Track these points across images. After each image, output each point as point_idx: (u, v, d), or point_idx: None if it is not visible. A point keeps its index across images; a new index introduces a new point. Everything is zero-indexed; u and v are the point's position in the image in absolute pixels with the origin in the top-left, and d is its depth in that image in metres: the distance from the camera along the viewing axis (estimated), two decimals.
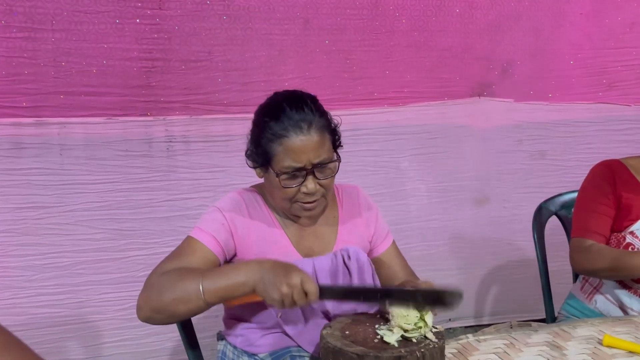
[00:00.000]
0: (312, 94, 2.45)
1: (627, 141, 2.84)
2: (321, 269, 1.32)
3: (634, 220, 1.65)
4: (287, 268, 1.13)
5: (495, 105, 2.70)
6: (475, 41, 2.59)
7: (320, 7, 2.33)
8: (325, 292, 1.18)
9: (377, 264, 1.46)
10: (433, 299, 1.14)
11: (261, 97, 2.31)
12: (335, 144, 1.33)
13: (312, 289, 1.13)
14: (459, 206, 2.72)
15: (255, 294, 1.16)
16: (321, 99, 2.44)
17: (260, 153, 1.27)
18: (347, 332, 1.12)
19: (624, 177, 1.71)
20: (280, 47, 2.31)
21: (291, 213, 1.34)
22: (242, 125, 2.31)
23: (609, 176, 1.71)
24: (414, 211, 2.66)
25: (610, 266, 1.58)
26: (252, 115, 2.30)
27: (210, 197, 2.31)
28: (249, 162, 1.34)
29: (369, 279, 1.37)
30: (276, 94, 1.34)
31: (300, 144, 1.23)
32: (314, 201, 1.30)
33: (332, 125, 1.33)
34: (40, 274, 2.14)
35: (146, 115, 2.21)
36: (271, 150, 1.25)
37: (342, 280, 1.34)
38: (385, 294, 1.19)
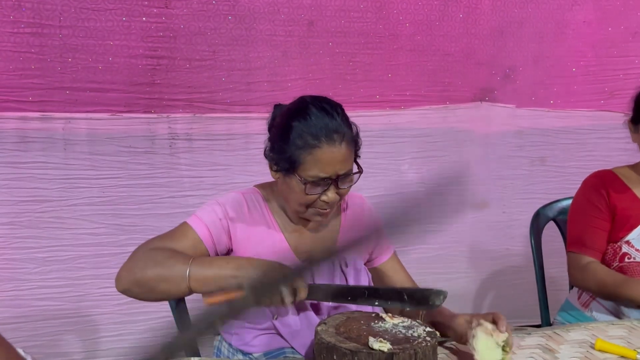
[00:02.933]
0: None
1: (627, 149, 2.83)
2: (318, 274, 1.34)
3: (629, 230, 1.67)
4: (276, 267, 1.15)
5: (497, 111, 2.72)
6: (478, 46, 2.60)
7: (324, 10, 2.35)
8: (314, 291, 1.20)
9: (378, 274, 1.49)
10: (418, 298, 1.16)
11: (264, 97, 2.36)
12: (356, 154, 1.34)
13: (301, 287, 1.14)
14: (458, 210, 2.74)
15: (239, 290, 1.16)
16: None
17: (286, 158, 1.26)
18: (341, 329, 1.14)
19: (617, 188, 1.72)
20: (284, 48, 2.33)
21: (303, 217, 1.34)
22: (244, 125, 2.36)
23: (602, 188, 1.72)
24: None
25: (606, 293, 1.63)
26: (254, 115, 2.35)
27: (211, 195, 2.33)
28: (270, 165, 1.33)
29: (364, 279, 1.39)
30: (304, 99, 1.32)
31: (330, 155, 1.23)
32: (327, 209, 1.31)
33: (355, 135, 1.33)
34: (42, 267, 2.17)
35: (150, 112, 2.23)
36: (299, 157, 1.24)
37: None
38: (372, 293, 1.21)
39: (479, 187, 2.75)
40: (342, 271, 1.38)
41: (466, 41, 2.58)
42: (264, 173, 2.41)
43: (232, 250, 1.35)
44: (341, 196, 1.31)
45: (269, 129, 1.37)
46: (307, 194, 1.26)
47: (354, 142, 1.31)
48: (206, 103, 2.29)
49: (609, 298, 1.67)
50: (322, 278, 1.34)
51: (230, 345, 1.40)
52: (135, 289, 1.23)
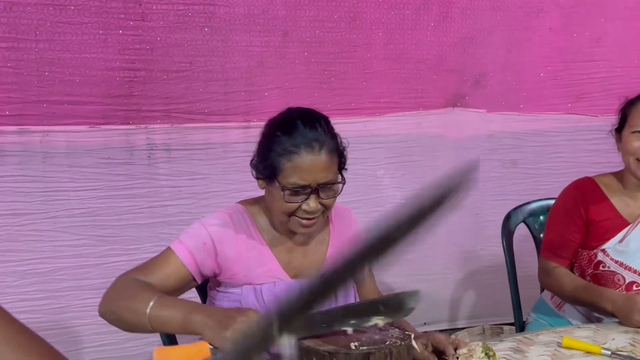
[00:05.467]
0: (292, 103, 2.50)
1: (594, 150, 2.94)
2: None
3: (606, 240, 1.70)
4: (239, 308, 1.11)
5: (469, 116, 2.78)
6: (449, 54, 2.67)
7: (299, 20, 2.39)
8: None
9: (357, 284, 1.51)
10: (394, 305, 1.18)
11: (241, 106, 2.39)
12: (341, 166, 1.34)
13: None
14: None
15: (202, 339, 1.11)
16: None
17: (267, 166, 1.27)
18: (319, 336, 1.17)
19: (596, 199, 1.73)
20: (260, 58, 2.37)
21: (288, 228, 1.34)
22: (222, 134, 2.39)
23: (580, 199, 1.74)
24: None
25: (568, 296, 1.68)
26: (232, 124, 2.37)
27: (191, 204, 2.35)
28: (253, 173, 1.34)
29: (351, 300, 1.42)
30: (290, 110, 1.34)
31: (309, 163, 1.24)
32: (313, 218, 1.30)
33: (341, 147, 1.33)
34: (21, 280, 2.16)
35: (128, 123, 2.24)
36: (279, 164, 1.25)
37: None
38: (346, 313, 1.18)
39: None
40: None
41: (438, 49, 2.64)
42: (243, 181, 2.44)
43: (220, 272, 1.34)
44: (325, 207, 1.30)
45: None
46: (287, 202, 1.26)
47: (338, 153, 1.31)
48: (184, 113, 2.31)
49: (569, 302, 1.73)
50: None
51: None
52: (109, 316, 1.24)
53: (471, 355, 1.18)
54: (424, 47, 2.62)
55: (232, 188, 2.37)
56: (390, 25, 2.54)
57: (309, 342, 1.12)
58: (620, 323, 1.51)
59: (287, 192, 1.26)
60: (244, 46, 2.33)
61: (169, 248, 1.33)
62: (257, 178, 1.33)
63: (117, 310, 1.21)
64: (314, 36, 2.43)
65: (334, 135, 1.31)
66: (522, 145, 2.89)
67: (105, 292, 1.26)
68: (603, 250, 1.69)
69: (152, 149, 2.29)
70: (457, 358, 1.20)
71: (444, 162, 2.77)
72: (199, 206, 2.33)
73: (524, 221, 2.06)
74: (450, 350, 1.23)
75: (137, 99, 2.23)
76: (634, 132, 1.63)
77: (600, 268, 1.70)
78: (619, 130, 1.71)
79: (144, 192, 2.30)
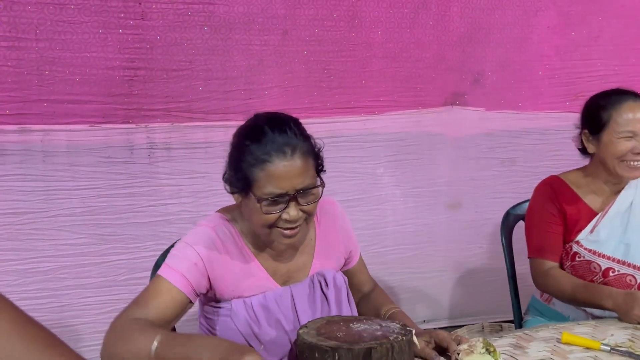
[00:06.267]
0: (292, 102, 2.51)
1: None
2: (299, 296, 1.34)
3: (578, 232, 1.76)
4: (242, 349, 1.02)
5: (468, 114, 2.79)
6: (448, 52, 2.68)
7: (298, 19, 2.40)
8: None
9: (348, 275, 1.50)
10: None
11: (241, 105, 2.40)
12: (319, 168, 1.28)
13: None
14: (432, 211, 2.81)
15: None
16: (300, 107, 2.53)
17: (240, 178, 1.21)
18: (322, 331, 1.18)
19: (566, 194, 1.80)
20: (259, 57, 2.37)
21: (270, 240, 1.28)
22: (222, 133, 2.39)
23: (551, 195, 1.80)
24: (390, 216, 2.73)
25: (568, 296, 1.69)
26: (232, 123, 2.38)
27: (191, 203, 2.36)
28: (227, 187, 1.28)
29: (345, 303, 1.40)
30: (257, 116, 1.27)
31: (283, 169, 1.18)
32: (295, 227, 1.24)
33: (316, 149, 1.27)
34: (23, 278, 2.17)
35: (128, 122, 2.25)
36: (252, 175, 1.19)
37: (320, 307, 1.36)
38: None
39: (452, 188, 2.83)
40: (323, 292, 1.37)
41: (436, 48, 2.65)
42: None
43: (210, 289, 1.31)
44: (306, 213, 1.24)
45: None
46: (265, 214, 1.20)
47: (313, 155, 1.25)
48: (184, 112, 2.32)
49: (569, 303, 1.75)
50: (303, 302, 1.34)
51: None
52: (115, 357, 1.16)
53: (472, 351, 1.19)
54: (423, 45, 2.63)
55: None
56: (389, 24, 2.55)
57: (311, 338, 1.13)
58: (620, 319, 1.52)
59: (264, 203, 1.19)
60: (243, 45, 2.34)
61: (158, 276, 1.25)
62: (232, 192, 1.26)
63: (120, 355, 1.12)
64: (313, 35, 2.44)
65: (306, 137, 1.25)
66: (520, 144, 2.91)
67: (105, 336, 1.18)
68: (577, 242, 1.75)
69: (152, 148, 2.30)
70: (458, 353, 1.21)
71: (443, 160, 2.79)
72: (199, 205, 2.34)
73: (523, 219, 2.07)
74: (454, 347, 1.23)
75: (137, 97, 2.23)
76: (621, 137, 1.66)
77: (577, 259, 1.75)
78: (595, 131, 1.73)
79: (145, 191, 2.30)
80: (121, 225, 2.29)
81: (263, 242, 1.33)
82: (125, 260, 2.30)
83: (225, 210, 1.37)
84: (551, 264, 1.76)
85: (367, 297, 1.54)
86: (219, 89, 2.34)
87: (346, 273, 1.50)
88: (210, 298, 1.36)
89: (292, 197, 1.21)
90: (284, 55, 2.42)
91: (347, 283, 1.43)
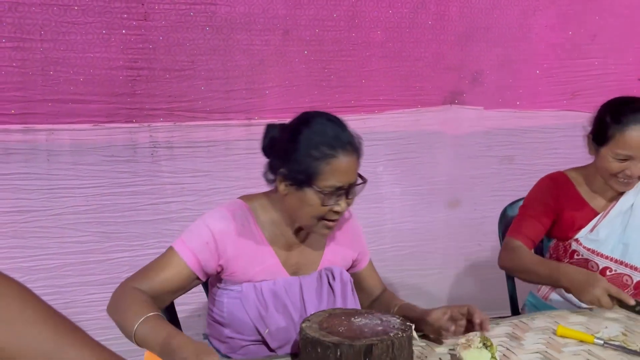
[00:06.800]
0: (293, 101, 2.54)
1: None
2: (307, 287, 1.39)
3: (578, 230, 1.78)
4: (207, 350, 1.06)
5: (466, 113, 2.82)
6: (446, 52, 2.71)
7: (299, 19, 2.43)
8: None
9: (358, 278, 1.56)
10: None
11: (243, 104, 2.43)
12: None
13: None
14: (431, 209, 2.84)
15: None
16: (301, 106, 2.56)
17: (301, 170, 1.28)
18: (324, 325, 1.21)
19: (568, 192, 1.81)
20: (261, 56, 2.40)
21: (312, 230, 1.37)
22: (224, 132, 2.42)
23: (553, 191, 1.82)
24: (389, 213, 2.77)
25: (526, 269, 1.70)
26: (234, 122, 2.41)
27: (193, 201, 2.39)
28: (270, 176, 1.35)
29: (350, 296, 1.45)
30: (309, 114, 1.35)
31: (346, 164, 1.28)
32: (336, 219, 1.34)
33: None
34: (28, 275, 2.20)
35: (131, 122, 2.28)
36: (316, 169, 1.26)
37: (326, 299, 1.41)
38: None
39: (450, 186, 2.86)
40: (330, 285, 1.43)
41: (435, 47, 2.68)
42: (245, 178, 2.49)
43: (221, 271, 1.37)
44: (348, 206, 1.34)
45: (269, 148, 1.38)
46: (324, 205, 1.29)
47: (360, 154, 1.36)
48: (186, 111, 2.35)
49: (525, 278, 1.75)
50: (310, 293, 1.39)
51: (217, 350, 1.44)
52: (112, 317, 1.28)
53: (469, 345, 1.23)
54: (422, 45, 2.66)
55: (235, 185, 2.41)
56: (389, 24, 2.58)
57: (314, 333, 1.17)
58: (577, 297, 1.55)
59: (324, 194, 1.28)
60: (244, 45, 2.37)
61: (171, 248, 1.34)
62: (285, 185, 1.32)
63: (115, 317, 1.25)
64: (314, 35, 2.47)
65: (357, 135, 1.35)
66: (518, 142, 2.93)
67: (112, 293, 1.29)
68: (576, 240, 1.78)
69: (155, 147, 2.33)
70: (456, 348, 1.25)
71: (442, 158, 2.82)
72: (202, 203, 2.37)
73: None
74: (479, 316, 1.28)
75: (140, 97, 2.26)
76: (617, 158, 1.66)
77: (575, 257, 1.78)
78: (598, 141, 1.71)
79: (148, 189, 2.34)
80: (124, 223, 2.32)
81: (280, 229, 1.40)
82: (129, 258, 2.33)
83: (246, 198, 1.44)
84: (520, 244, 1.76)
85: (378, 299, 1.57)
86: (221, 89, 2.37)
87: (356, 276, 1.55)
88: (221, 279, 1.40)
89: (345, 191, 1.30)
90: (285, 55, 2.44)
91: (352, 281, 1.48)
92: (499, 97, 2.86)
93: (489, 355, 1.22)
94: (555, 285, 1.65)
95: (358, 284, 1.56)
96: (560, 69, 2.92)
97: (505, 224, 2.08)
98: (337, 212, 1.32)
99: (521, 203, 1.97)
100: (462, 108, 2.82)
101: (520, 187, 2.85)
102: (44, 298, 2.25)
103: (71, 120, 2.19)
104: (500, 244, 2.06)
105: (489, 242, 2.90)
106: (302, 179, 1.29)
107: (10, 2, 2.03)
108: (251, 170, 2.44)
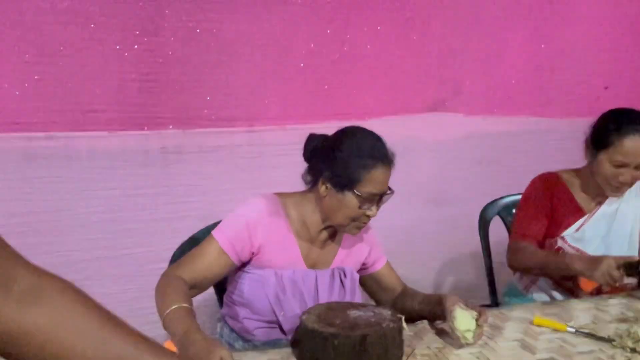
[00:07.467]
0: (290, 109, 2.53)
1: (560, 149, 2.99)
2: (322, 281, 1.41)
3: (565, 228, 1.77)
4: (215, 350, 1.04)
5: (448, 119, 2.82)
6: (429, 64, 2.71)
7: (295, 35, 2.42)
8: None
9: (376, 279, 1.57)
10: None
11: (245, 113, 2.42)
12: None
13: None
14: (416, 207, 2.84)
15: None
16: (298, 114, 2.54)
17: (345, 176, 1.32)
18: (322, 317, 1.22)
19: (560, 193, 1.79)
20: (261, 69, 2.40)
21: (344, 229, 1.41)
22: (228, 138, 2.42)
23: (546, 191, 1.80)
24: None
25: (540, 264, 1.70)
26: (237, 129, 2.41)
27: (202, 201, 2.38)
28: (308, 178, 1.41)
29: (357, 293, 1.48)
30: (353, 127, 1.40)
31: (383, 175, 1.33)
32: (366, 222, 1.39)
33: None
34: (50, 270, 2.19)
35: (143, 129, 2.27)
36: (359, 176, 1.31)
37: (337, 293, 1.43)
38: None
39: (433, 187, 2.86)
40: (342, 282, 1.45)
41: (419, 60, 2.69)
42: (248, 180, 2.48)
43: (254, 255, 1.38)
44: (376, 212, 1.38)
45: (311, 155, 1.41)
46: (360, 209, 1.33)
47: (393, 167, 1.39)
48: (194, 119, 2.34)
49: (540, 270, 1.75)
50: (323, 286, 1.41)
51: (232, 330, 1.45)
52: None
53: (465, 309, 1.28)
54: (407, 58, 2.66)
55: (239, 186, 2.41)
56: (377, 39, 2.58)
57: (312, 324, 1.17)
58: (589, 278, 1.56)
59: (362, 199, 1.32)
60: (246, 59, 2.36)
61: (211, 236, 1.36)
62: (326, 187, 1.36)
63: (156, 300, 1.25)
64: (309, 49, 2.47)
65: (392, 151, 1.39)
66: (495, 145, 2.93)
67: (160, 277, 1.29)
68: (562, 238, 1.76)
69: (165, 152, 2.32)
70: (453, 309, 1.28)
71: (425, 161, 2.82)
72: (209, 203, 2.37)
73: (498, 214, 2.12)
74: (485, 319, 1.31)
75: (151, 107, 2.26)
76: (614, 164, 1.64)
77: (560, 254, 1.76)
78: (596, 146, 1.68)
79: (158, 191, 2.33)
80: (138, 222, 2.31)
81: (307, 225, 1.42)
82: (143, 254, 2.32)
83: (280, 195, 1.45)
84: (526, 244, 1.76)
85: (403, 295, 1.56)
86: (225, 99, 2.36)
87: (374, 276, 1.57)
88: (245, 263, 1.41)
89: (379, 198, 1.35)
90: (283, 68, 2.44)
91: (358, 280, 1.50)
92: (478, 105, 2.86)
93: (475, 324, 1.26)
94: (567, 273, 1.64)
95: (378, 283, 1.57)
96: (534, 80, 2.93)
97: (485, 221, 2.09)
98: (368, 216, 1.36)
99: (501, 202, 1.97)
100: (443, 115, 2.81)
101: (498, 187, 2.86)
102: None
103: (88, 128, 2.18)
104: (481, 239, 2.07)
105: (468, 238, 2.90)
106: (345, 182, 1.33)
107: (32, 20, 2.02)
108: (254, 172, 2.44)
